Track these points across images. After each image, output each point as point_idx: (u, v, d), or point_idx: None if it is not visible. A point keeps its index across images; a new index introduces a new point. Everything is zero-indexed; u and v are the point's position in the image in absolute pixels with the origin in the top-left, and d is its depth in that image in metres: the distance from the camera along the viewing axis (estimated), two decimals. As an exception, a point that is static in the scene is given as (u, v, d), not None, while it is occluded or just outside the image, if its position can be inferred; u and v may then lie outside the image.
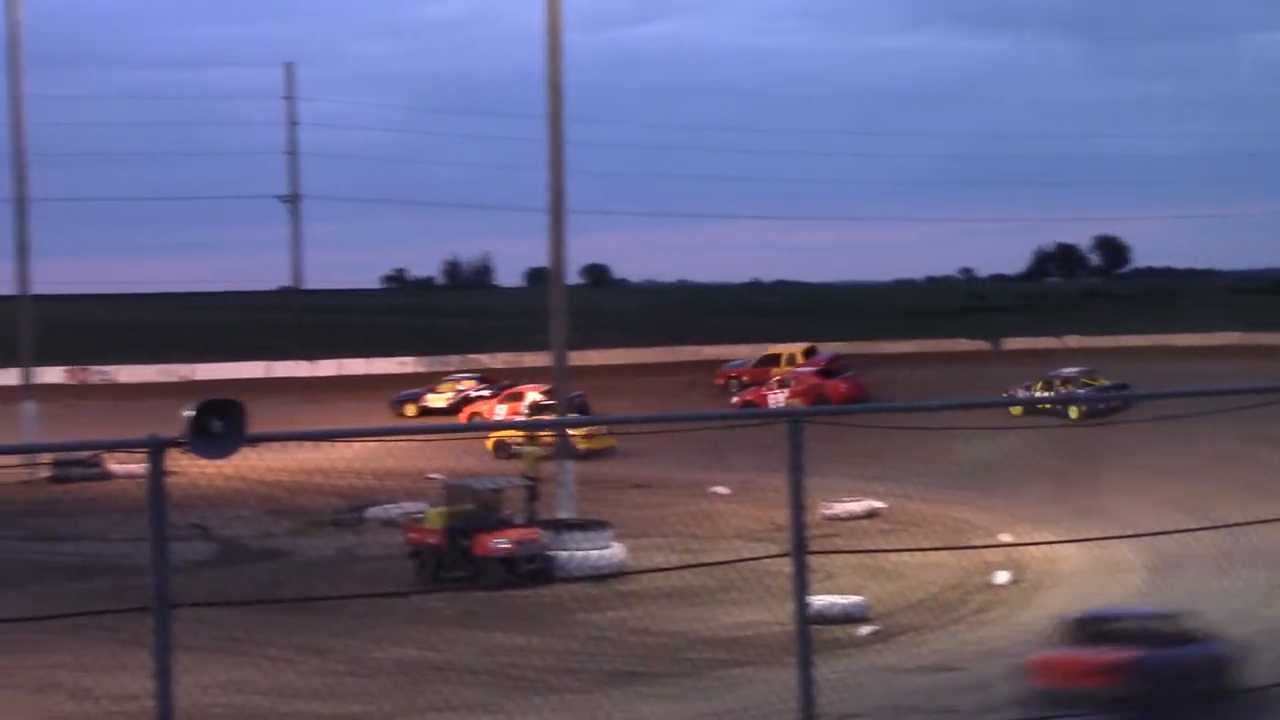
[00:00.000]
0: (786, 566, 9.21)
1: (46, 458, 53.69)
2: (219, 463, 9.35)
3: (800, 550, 9.14)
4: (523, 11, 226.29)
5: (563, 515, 39.58)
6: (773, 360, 74.86)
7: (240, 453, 8.66)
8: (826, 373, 69.77)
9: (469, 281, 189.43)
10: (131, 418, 70.12)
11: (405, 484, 47.99)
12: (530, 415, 64.38)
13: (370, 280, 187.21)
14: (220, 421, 8.48)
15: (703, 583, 34.03)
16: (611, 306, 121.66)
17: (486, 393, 70.89)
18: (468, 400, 70.88)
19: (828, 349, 78.53)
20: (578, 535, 36.52)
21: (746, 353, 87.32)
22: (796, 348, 76.51)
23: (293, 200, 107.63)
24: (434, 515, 36.53)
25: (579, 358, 59.82)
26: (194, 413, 8.31)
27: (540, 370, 59.20)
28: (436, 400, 72.30)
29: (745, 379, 72.87)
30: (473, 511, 36.07)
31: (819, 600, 24.99)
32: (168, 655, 8.31)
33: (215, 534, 41.84)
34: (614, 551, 36.27)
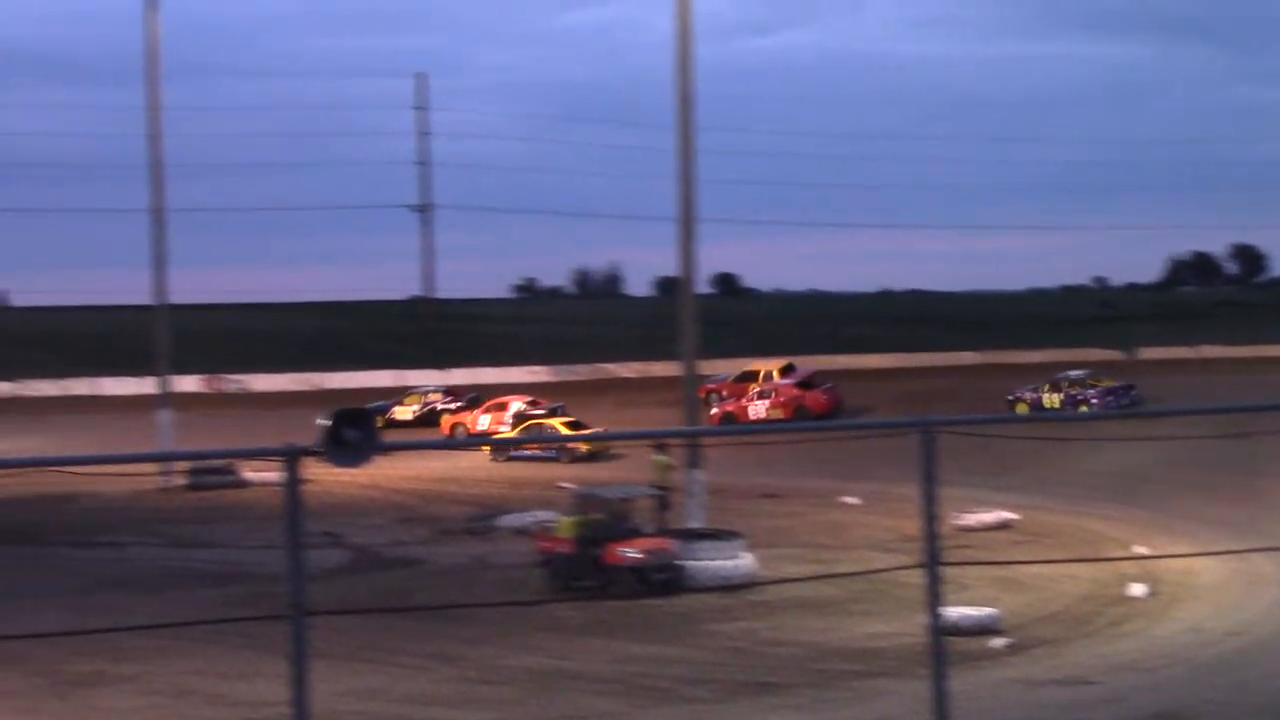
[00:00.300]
0: (919, 578, 9.14)
1: (183, 466, 54.40)
2: (353, 471, 9.43)
3: (933, 561, 9.06)
4: (654, 21, 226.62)
5: (693, 525, 39.54)
6: (751, 376, 76.47)
7: (374, 461, 8.72)
8: (806, 385, 71.43)
9: (598, 290, 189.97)
10: (265, 426, 70.97)
11: (536, 493, 48.26)
12: (515, 424, 66.53)
13: (500, 289, 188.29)
14: (355, 431, 8.54)
15: (834, 593, 33.91)
16: (741, 316, 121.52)
17: (453, 405, 73.00)
18: (435, 413, 72.61)
19: (924, 358, 78.62)
20: (708, 545, 36.43)
21: (877, 363, 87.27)
22: (775, 364, 78.06)
23: (424, 210, 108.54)
24: (565, 524, 36.60)
25: (708, 367, 59.92)
26: (329, 422, 8.37)
27: (671, 378, 59.24)
28: (404, 413, 73.98)
29: (724, 393, 74.22)
30: (604, 520, 36.10)
31: (952, 612, 24.80)
32: (304, 662, 8.36)
33: (348, 542, 42.20)
34: (744, 561, 36.16)
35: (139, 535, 45.61)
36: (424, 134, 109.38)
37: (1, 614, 33.44)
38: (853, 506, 46.29)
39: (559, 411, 67.77)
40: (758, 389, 71.55)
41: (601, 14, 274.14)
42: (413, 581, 37.41)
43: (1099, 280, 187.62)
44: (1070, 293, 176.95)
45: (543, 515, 42.30)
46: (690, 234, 42.30)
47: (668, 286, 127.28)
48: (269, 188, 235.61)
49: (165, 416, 58.92)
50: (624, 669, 27.89)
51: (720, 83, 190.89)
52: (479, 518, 45.00)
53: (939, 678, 9.09)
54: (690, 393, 44.05)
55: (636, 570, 34.70)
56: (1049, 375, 70.76)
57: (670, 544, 35.83)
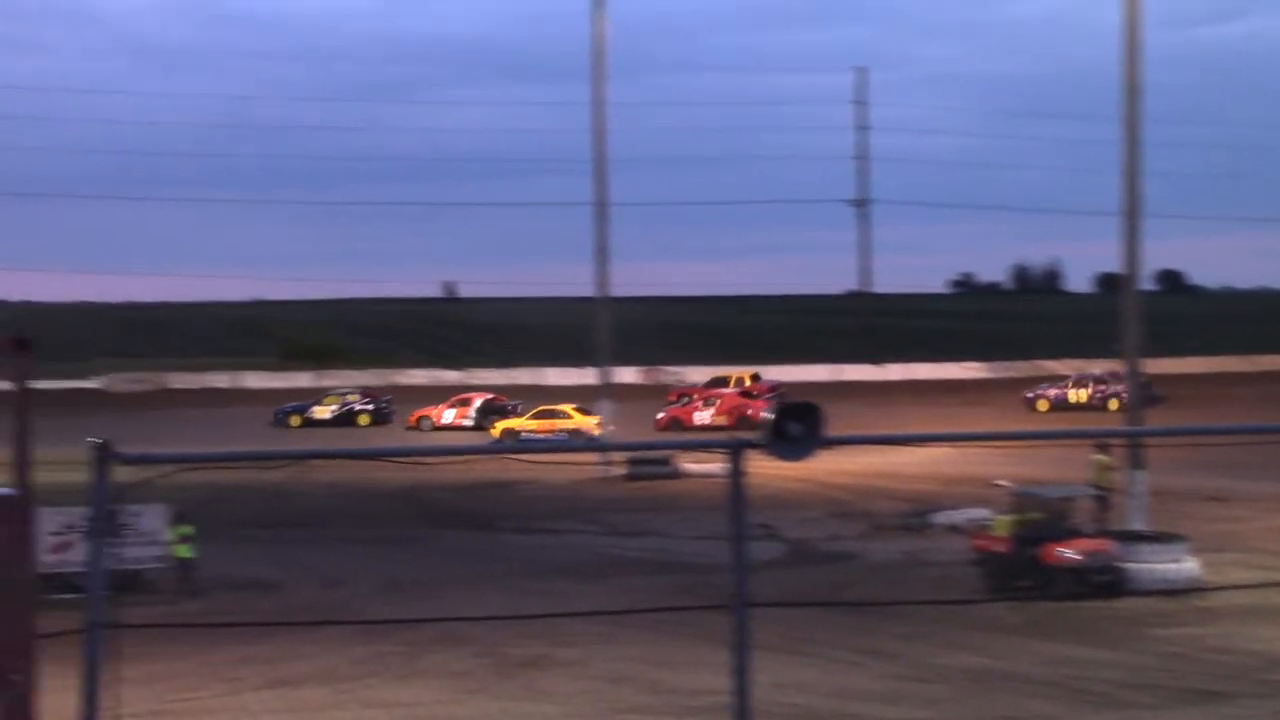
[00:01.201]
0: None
1: (621, 456, 55.57)
2: (794, 465, 9.43)
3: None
4: (1100, 10, 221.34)
5: (1135, 527, 38.53)
6: (722, 383, 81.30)
7: (816, 455, 8.72)
8: (748, 394, 76.81)
9: (1038, 286, 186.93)
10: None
11: (970, 490, 47.68)
12: (480, 418, 73.17)
13: (936, 284, 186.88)
14: (799, 424, 8.55)
15: (1285, 602, 32.62)
16: (1186, 313, 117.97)
17: (370, 406, 78.59)
18: (352, 413, 77.83)
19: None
20: (1150, 548, 35.42)
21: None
22: (746, 372, 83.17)
23: (861, 204, 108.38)
24: (1002, 523, 36.04)
25: (1152, 365, 58.35)
26: (774, 416, 8.41)
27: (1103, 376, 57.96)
28: (322, 412, 78.22)
29: (695, 397, 77.31)
30: (1042, 520, 35.43)
31: None
32: (746, 652, 8.40)
33: (783, 535, 42.44)
34: (1188, 565, 35.05)
35: (579, 523, 46.74)
36: (862, 129, 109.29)
37: (450, 595, 34.74)
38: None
39: (517, 409, 73.27)
40: (704, 396, 76.58)
41: (1046, 4, 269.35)
42: (847, 576, 37.38)
43: None
44: None
45: (977, 513, 41.80)
46: (1135, 229, 41.22)
47: (1110, 283, 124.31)
48: (708, 182, 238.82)
49: (606, 407, 60.21)
50: (1060, 671, 27.32)
51: (1169, 72, 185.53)
52: (913, 514, 44.74)
53: None
54: (1134, 390, 42.94)
55: (1075, 571, 33.95)
56: None
57: (1110, 545, 34.96)
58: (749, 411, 71.35)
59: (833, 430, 9.12)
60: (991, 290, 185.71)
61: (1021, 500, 36.68)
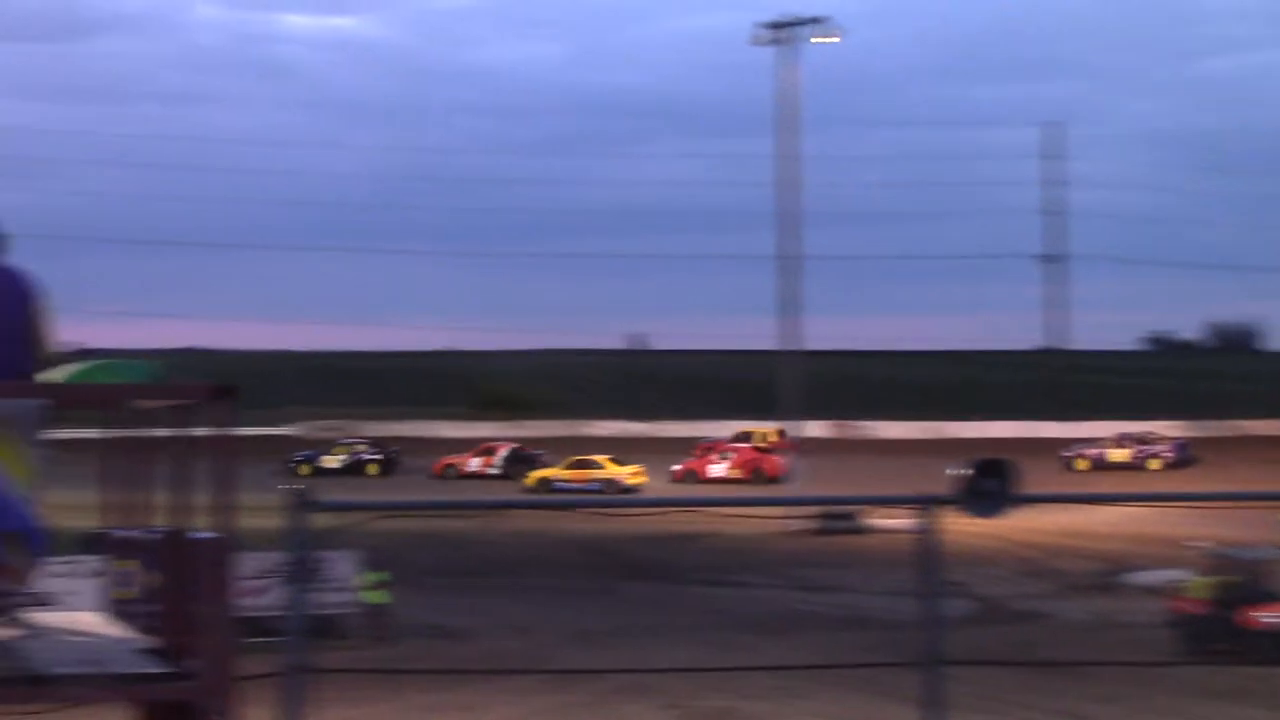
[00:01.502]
0: None
1: (809, 510, 55.35)
2: (985, 521, 9.34)
3: None
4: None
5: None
6: (746, 437, 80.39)
7: (1010, 512, 8.62)
8: (761, 449, 76.05)
9: (1235, 344, 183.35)
10: (890, 473, 71.51)
11: (1163, 550, 46.81)
12: (506, 466, 74.77)
13: (1128, 341, 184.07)
14: (993, 481, 8.46)
15: None
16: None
17: (378, 456, 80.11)
18: (360, 463, 78.97)
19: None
20: (1352, 613, 34.47)
21: None
22: (771, 428, 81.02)
23: (1054, 260, 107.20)
24: (1199, 584, 35.33)
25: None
26: (970, 471, 8.33)
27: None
28: (331, 461, 79.24)
29: (721, 451, 77.14)
30: (1240, 582, 34.67)
31: None
32: (940, 711, 8.31)
33: (972, 592, 41.96)
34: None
35: (766, 576, 46.58)
36: (1055, 183, 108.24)
37: (637, 646, 34.78)
38: None
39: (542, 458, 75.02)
40: (720, 450, 76.67)
41: (1249, 59, 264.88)
42: (1038, 635, 36.87)
43: None
44: None
45: (1173, 574, 41.00)
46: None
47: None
48: (900, 236, 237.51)
49: (793, 460, 60.05)
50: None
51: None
52: (1105, 574, 44.02)
53: None
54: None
55: (1274, 636, 33.16)
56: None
57: (1310, 611, 34.11)
58: (763, 465, 73.14)
59: (1023, 488, 9.02)
60: (1188, 348, 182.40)
61: (1219, 562, 35.95)
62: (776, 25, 62.15)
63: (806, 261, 64.99)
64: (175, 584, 7.52)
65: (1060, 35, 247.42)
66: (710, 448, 78.95)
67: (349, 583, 36.19)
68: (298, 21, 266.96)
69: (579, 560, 49.45)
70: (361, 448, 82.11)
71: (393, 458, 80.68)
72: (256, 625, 29.01)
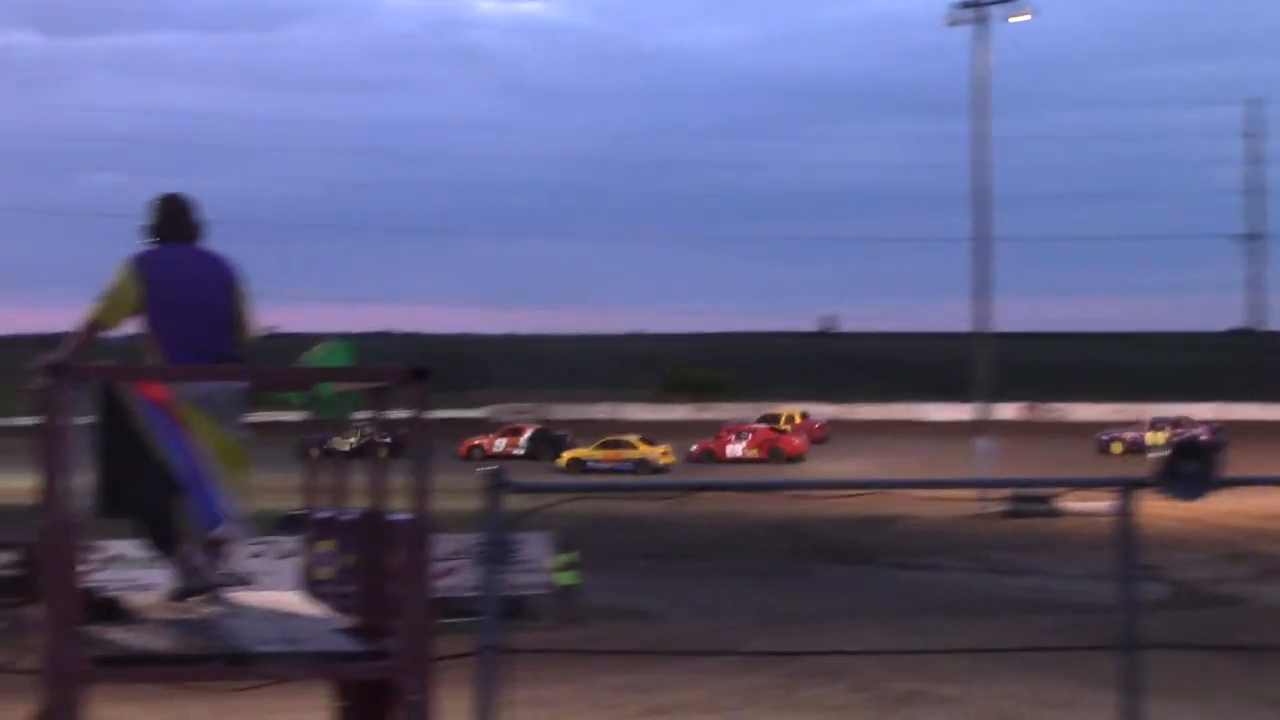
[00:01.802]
0: None
1: (1001, 492, 54.79)
2: (1185, 505, 9.20)
3: None
4: None
5: None
6: (774, 419, 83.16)
7: (1210, 495, 8.50)
8: (779, 430, 79.59)
9: None
10: (1080, 455, 70.64)
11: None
12: (531, 447, 75.89)
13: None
14: (1193, 464, 8.35)
15: None
16: None
17: (387, 439, 79.17)
18: (374, 445, 77.41)
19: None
20: None
21: None
22: (796, 409, 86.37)
23: (1254, 239, 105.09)
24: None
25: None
26: (1170, 454, 8.23)
27: None
28: (341, 444, 76.65)
29: (749, 433, 78.43)
30: None
31: None
32: (1137, 696, 8.21)
33: (1167, 576, 41.27)
34: None
35: (957, 559, 46.23)
36: (1254, 162, 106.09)
37: (829, 629, 34.68)
38: None
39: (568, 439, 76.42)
40: (737, 430, 78.20)
41: None
42: (1239, 619, 36.16)
43: None
44: None
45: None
46: None
47: None
48: (1093, 217, 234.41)
49: (984, 443, 59.49)
50: None
51: None
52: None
53: None
54: None
55: None
56: None
57: None
58: (780, 444, 75.13)
59: (1224, 471, 8.87)
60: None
61: None
62: (972, 4, 61.47)
63: (998, 243, 64.50)
64: (373, 565, 7.63)
65: (1251, 13, 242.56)
66: (735, 429, 79.69)
67: (541, 565, 36.49)
68: (487, 7, 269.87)
69: (766, 544, 49.40)
70: (371, 430, 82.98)
71: (401, 441, 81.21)
72: (450, 606, 29.51)
